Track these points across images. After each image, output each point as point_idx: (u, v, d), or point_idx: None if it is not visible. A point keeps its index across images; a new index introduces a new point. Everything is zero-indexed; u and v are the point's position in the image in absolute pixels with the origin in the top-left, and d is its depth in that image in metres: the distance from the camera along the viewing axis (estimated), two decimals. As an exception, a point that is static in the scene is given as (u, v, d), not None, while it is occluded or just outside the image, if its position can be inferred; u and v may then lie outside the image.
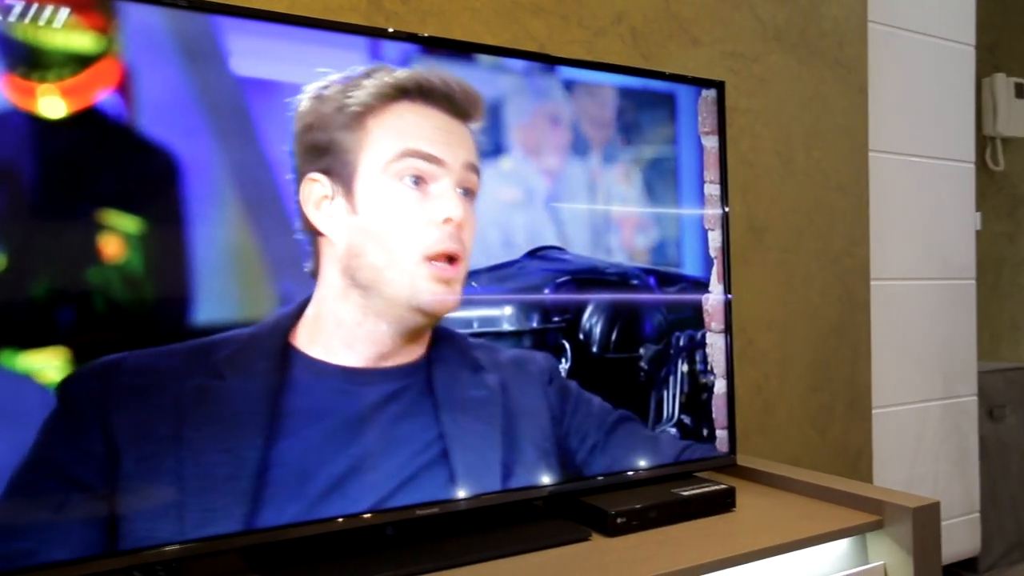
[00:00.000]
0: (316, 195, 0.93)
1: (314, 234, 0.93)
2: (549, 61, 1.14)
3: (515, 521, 1.09)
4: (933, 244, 2.09)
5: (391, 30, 1.02)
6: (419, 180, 0.95)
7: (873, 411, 1.93)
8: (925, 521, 1.09)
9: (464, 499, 1.01)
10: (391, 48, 0.99)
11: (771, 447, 1.69)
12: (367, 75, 0.95)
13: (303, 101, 0.92)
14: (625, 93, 1.19)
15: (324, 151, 0.92)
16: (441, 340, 1.01)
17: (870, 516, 1.14)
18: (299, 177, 0.92)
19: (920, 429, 2.04)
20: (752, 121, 1.67)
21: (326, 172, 0.93)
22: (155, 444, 0.82)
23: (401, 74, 0.96)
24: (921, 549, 1.09)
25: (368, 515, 0.95)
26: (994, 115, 2.82)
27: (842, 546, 1.15)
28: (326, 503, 0.92)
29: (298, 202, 0.92)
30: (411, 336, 0.98)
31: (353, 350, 0.94)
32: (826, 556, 1.14)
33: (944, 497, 2.09)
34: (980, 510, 2.20)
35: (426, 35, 1.04)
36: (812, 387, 1.76)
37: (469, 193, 1.00)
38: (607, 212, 1.17)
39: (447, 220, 0.95)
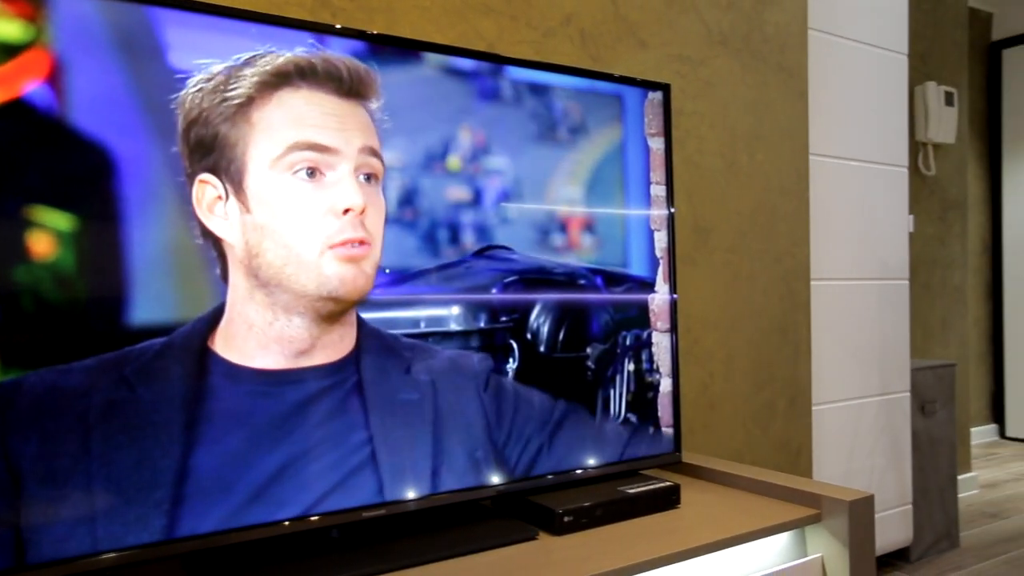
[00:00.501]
0: (208, 197, 0.88)
1: (214, 238, 0.90)
2: (498, 61, 1.14)
3: (462, 522, 1.09)
4: (869, 245, 2.16)
5: (338, 26, 1.00)
6: (313, 171, 0.92)
7: (813, 408, 1.98)
8: (860, 514, 1.13)
9: (413, 500, 1.01)
10: (337, 45, 0.98)
11: (716, 444, 1.72)
12: (248, 63, 0.90)
13: (186, 95, 0.87)
14: (573, 94, 1.20)
15: (210, 149, 0.88)
16: (368, 338, 0.99)
17: (809, 510, 1.17)
18: (189, 179, 0.88)
19: (857, 424, 2.11)
20: (698, 123, 1.70)
21: (215, 171, 0.88)
22: (63, 461, 0.79)
23: (282, 59, 0.91)
24: (856, 541, 1.13)
25: (315, 517, 0.93)
26: (926, 122, 2.93)
27: (782, 540, 1.18)
28: (252, 508, 0.89)
29: (192, 206, 0.88)
30: (327, 328, 0.95)
31: (269, 351, 0.92)
32: (767, 550, 1.17)
33: (879, 490, 2.17)
34: (912, 502, 2.29)
35: (374, 32, 1.02)
36: (755, 385, 1.80)
37: (372, 178, 0.97)
38: (555, 212, 1.17)
39: (347, 210, 0.93)
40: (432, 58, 1.06)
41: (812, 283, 1.99)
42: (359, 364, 0.98)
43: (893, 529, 2.21)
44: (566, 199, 1.19)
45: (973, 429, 4.12)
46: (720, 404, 1.73)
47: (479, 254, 1.10)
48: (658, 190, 1.31)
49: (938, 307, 3.08)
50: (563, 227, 1.18)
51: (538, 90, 1.16)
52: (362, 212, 0.94)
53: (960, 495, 3.04)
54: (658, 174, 1.31)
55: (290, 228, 0.91)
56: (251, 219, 0.90)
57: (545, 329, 1.15)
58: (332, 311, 0.95)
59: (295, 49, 0.94)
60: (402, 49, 1.04)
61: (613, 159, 1.24)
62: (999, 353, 4.23)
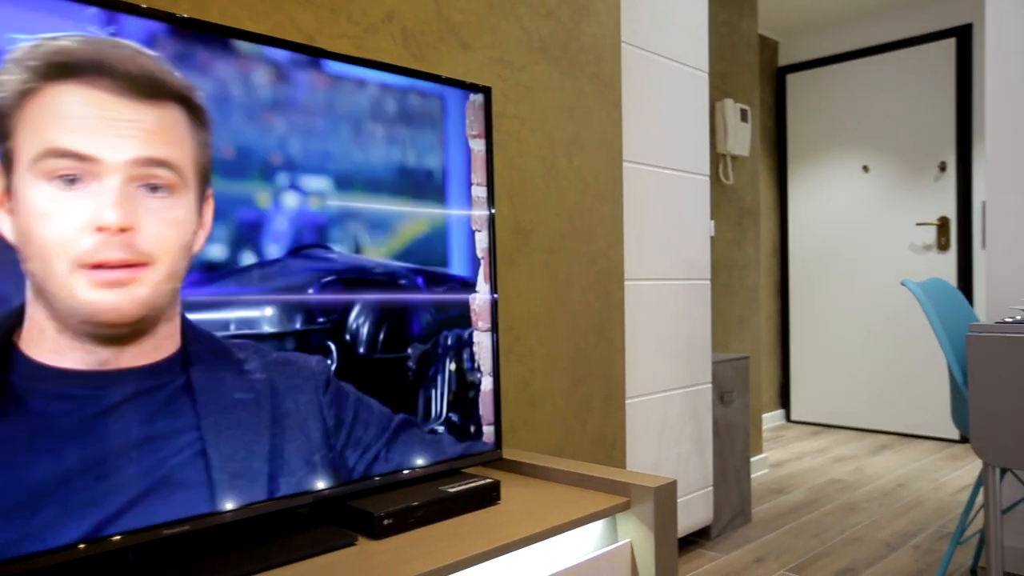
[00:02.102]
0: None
1: None
2: (318, 54, 1.10)
3: (278, 532, 1.04)
4: (677, 248, 2.32)
5: (145, 7, 0.92)
6: (74, 179, 0.83)
7: (627, 401, 2.10)
8: (664, 499, 1.21)
9: (217, 513, 0.95)
10: (134, 25, 0.90)
11: (537, 439, 1.77)
12: (26, 51, 0.81)
13: None
14: (395, 92, 1.18)
15: None
16: (195, 339, 0.93)
17: (619, 498, 1.24)
18: None
19: (666, 415, 2.26)
20: (519, 127, 1.74)
21: (2, 162, 0.80)
22: None
23: (56, 48, 0.82)
24: (661, 524, 1.21)
25: (117, 538, 0.85)
26: (725, 135, 3.21)
27: (596, 528, 1.24)
28: (49, 520, 0.81)
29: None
30: (128, 339, 0.87)
31: (72, 353, 0.84)
32: (582, 539, 1.22)
33: (685, 475, 2.34)
34: (713, 484, 2.49)
35: (183, 16, 0.95)
36: (574, 381, 1.88)
37: (159, 189, 0.89)
38: (374, 211, 1.15)
39: (101, 228, 0.84)
40: (244, 47, 1.00)
41: (626, 283, 2.11)
42: (186, 366, 0.91)
43: (697, 510, 2.39)
44: (386, 198, 1.17)
45: (764, 415, 4.57)
46: (540, 401, 1.78)
47: (295, 253, 1.06)
48: (479, 191, 1.33)
49: (736, 305, 3.37)
50: (382, 226, 1.16)
51: (359, 87, 1.13)
52: (126, 230, 0.85)
53: (753, 475, 3.35)
54: (479, 175, 1.33)
55: (44, 240, 0.81)
56: (17, 222, 0.81)
57: (365, 330, 1.13)
58: (113, 333, 0.86)
59: (86, 31, 0.85)
60: (213, 37, 0.98)
61: (434, 160, 1.24)
62: (786, 346, 4.72)
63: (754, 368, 3.44)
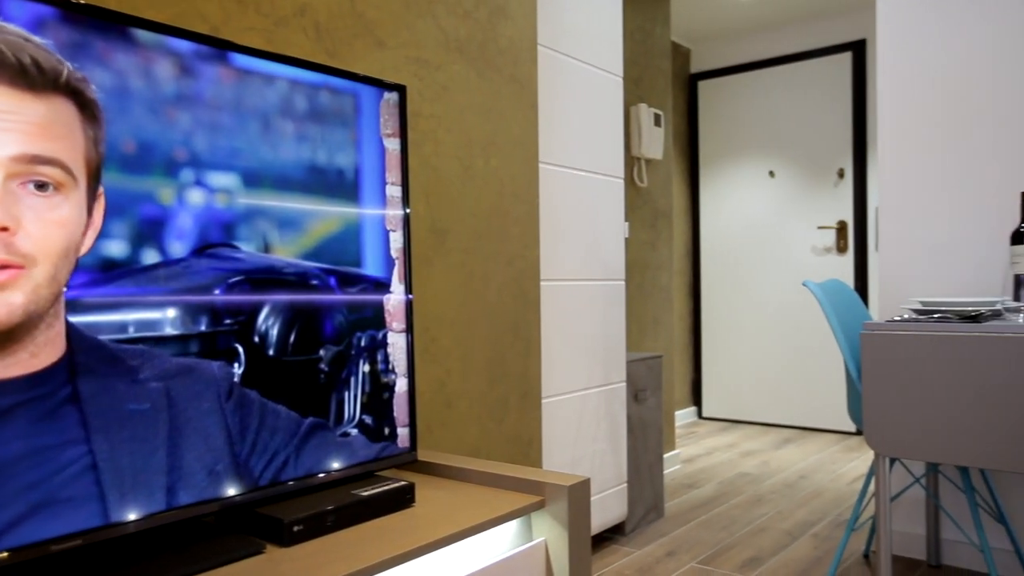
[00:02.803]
0: None
1: None
2: (225, 47, 1.06)
3: (181, 544, 1.00)
4: (592, 249, 2.36)
5: (19, -14, 0.86)
6: None
7: (543, 401, 2.12)
8: (578, 497, 1.23)
9: (111, 526, 0.90)
10: (21, 9, 0.85)
11: (453, 440, 1.77)
12: None
13: None
14: (306, 88, 1.16)
15: None
16: (83, 346, 0.88)
17: (534, 497, 1.24)
18: None
19: (581, 414, 2.30)
20: (435, 127, 1.73)
21: None
22: None
23: None
24: (575, 522, 1.22)
25: (3, 555, 0.79)
26: (639, 139, 3.28)
27: (511, 528, 1.24)
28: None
29: None
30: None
31: None
32: (497, 539, 1.22)
33: (600, 472, 2.38)
34: (627, 480, 2.54)
35: (77, 0, 0.90)
36: (490, 381, 1.88)
37: (45, 187, 0.84)
38: (285, 209, 1.12)
39: None
40: (147, 38, 0.96)
41: (542, 283, 2.13)
42: (72, 374, 0.86)
43: (612, 507, 2.44)
44: (297, 197, 1.14)
45: (677, 412, 4.70)
46: (457, 401, 1.78)
47: (200, 253, 1.02)
48: (394, 190, 1.31)
49: (650, 305, 3.45)
50: (293, 225, 1.13)
51: (268, 82, 1.10)
52: (5, 231, 0.80)
53: (666, 471, 3.45)
54: (394, 175, 1.31)
55: None
56: None
57: (275, 332, 1.10)
58: None
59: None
60: (110, 25, 0.93)
61: (347, 158, 1.22)
62: (698, 345, 4.87)
63: (667, 367, 3.53)
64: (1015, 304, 1.87)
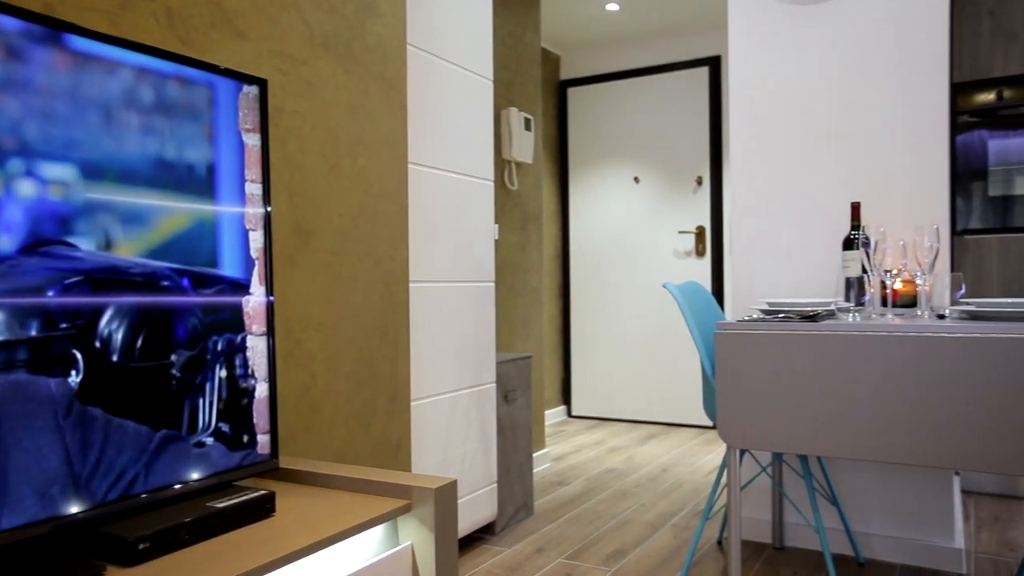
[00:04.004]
0: None
1: None
2: (62, 28, 0.98)
3: (9, 572, 0.91)
4: (463, 251, 2.36)
5: None
6: None
7: (412, 403, 2.10)
8: (444, 499, 1.22)
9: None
10: None
11: (318, 446, 1.72)
12: None
13: None
14: (156, 78, 1.09)
15: None
16: None
17: (400, 501, 1.23)
18: None
19: (452, 416, 2.30)
20: (300, 123, 1.68)
21: None
22: None
23: None
24: (441, 525, 1.22)
25: None
26: (510, 142, 3.32)
27: (377, 533, 1.22)
28: None
29: None
30: None
31: None
32: (362, 545, 1.20)
33: (470, 474, 2.39)
34: (497, 480, 2.57)
35: None
36: (357, 384, 1.84)
37: None
38: (131, 205, 1.05)
39: None
40: (-40, 10, 0.87)
41: (411, 285, 2.11)
42: None
43: (482, 507, 2.45)
44: (144, 192, 1.07)
45: (547, 411, 4.80)
46: (322, 406, 1.73)
47: (30, 250, 0.93)
48: (253, 188, 1.26)
49: (520, 306, 3.51)
50: (140, 222, 1.06)
51: (112, 68, 1.03)
52: None
53: (536, 469, 3.51)
54: (254, 171, 1.26)
55: None
56: None
57: (119, 337, 1.02)
58: None
59: None
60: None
61: (202, 152, 1.16)
62: (568, 345, 5.00)
63: (537, 367, 3.60)
64: (846, 304, 2.04)
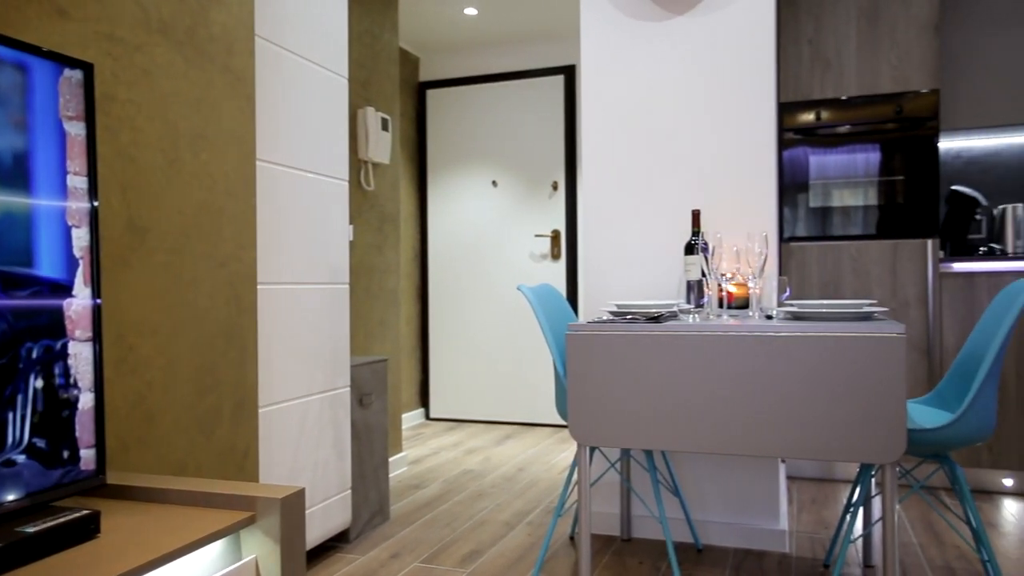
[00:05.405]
0: None
1: None
2: None
3: None
4: (316, 252, 2.29)
5: None
6: None
7: (260, 410, 2.01)
8: (291, 509, 1.18)
9: None
10: None
11: (155, 458, 1.61)
12: None
13: None
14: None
15: None
16: None
17: (244, 513, 1.17)
18: None
19: (303, 422, 2.22)
20: (134, 113, 1.57)
21: None
22: None
23: None
24: (288, 536, 1.18)
25: None
26: (366, 142, 3.27)
27: (216, 549, 1.16)
28: None
29: None
30: None
31: None
32: (200, 562, 1.13)
33: (323, 480, 2.32)
34: (352, 486, 2.51)
35: None
36: (199, 391, 1.74)
37: None
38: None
39: None
40: None
41: (260, 287, 2.02)
42: None
43: (335, 514, 2.39)
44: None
45: (404, 414, 4.76)
46: (159, 415, 1.62)
47: None
48: (77, 181, 1.16)
49: (376, 308, 3.45)
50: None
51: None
52: None
53: (392, 473, 3.47)
54: (78, 163, 1.16)
55: None
56: None
57: (-91, 344, 0.91)
58: None
59: None
60: None
61: (10, 140, 1.05)
62: (426, 347, 4.98)
63: (394, 369, 3.56)
64: (687, 306, 2.17)
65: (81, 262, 1.16)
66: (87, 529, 1.05)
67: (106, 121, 1.49)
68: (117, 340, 1.51)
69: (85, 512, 1.05)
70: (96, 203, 1.18)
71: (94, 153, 1.18)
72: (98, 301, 1.18)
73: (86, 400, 1.16)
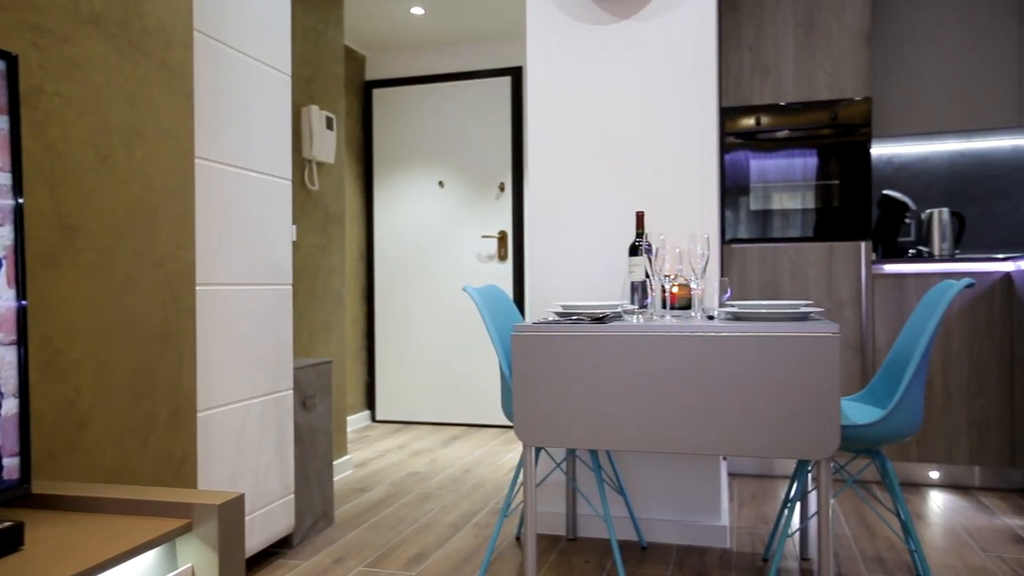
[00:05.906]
0: None
1: None
2: None
3: None
4: (258, 252, 2.24)
5: None
6: None
7: (199, 414, 1.96)
8: (229, 515, 1.15)
9: None
10: None
11: (86, 466, 1.55)
12: None
13: None
14: None
15: None
16: None
17: (179, 521, 1.14)
18: None
19: (244, 425, 2.17)
20: (63, 107, 1.51)
21: None
22: None
23: None
24: (226, 543, 1.15)
25: None
26: (310, 141, 3.21)
27: (149, 558, 1.12)
28: None
29: None
30: None
31: None
32: (132, 572, 1.10)
33: (265, 485, 2.27)
34: (295, 491, 2.47)
35: None
36: (133, 396, 1.69)
37: None
38: None
39: None
40: None
41: (199, 288, 1.97)
42: None
43: (278, 519, 2.34)
44: None
45: (350, 417, 4.70)
46: (90, 421, 1.56)
47: None
48: (1, 177, 1.11)
49: (321, 310, 3.40)
50: None
51: None
52: None
53: (337, 477, 3.42)
54: (1, 159, 1.11)
55: None
56: None
57: None
58: None
59: None
60: None
61: (-69, 134, 1.00)
62: (372, 349, 4.92)
63: (340, 371, 3.51)
64: (632, 307, 2.20)
65: (4, 262, 1.11)
66: (9, 542, 1.01)
67: (33, 115, 1.43)
68: (44, 344, 1.45)
69: (7, 524, 1.01)
70: (21, 200, 1.13)
71: (19, 148, 1.13)
72: (23, 303, 1.13)
73: (9, 406, 1.11)
